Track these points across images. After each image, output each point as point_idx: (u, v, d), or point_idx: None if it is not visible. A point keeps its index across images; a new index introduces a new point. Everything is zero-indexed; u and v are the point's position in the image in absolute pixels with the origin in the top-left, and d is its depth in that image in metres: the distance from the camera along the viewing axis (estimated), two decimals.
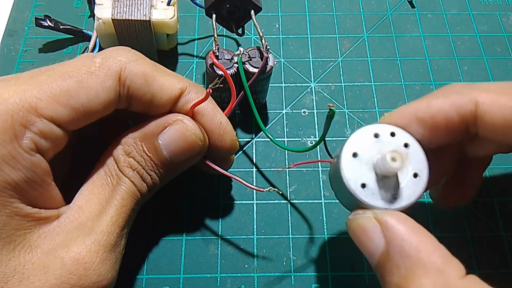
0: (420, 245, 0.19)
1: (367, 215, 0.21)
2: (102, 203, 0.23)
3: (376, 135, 0.22)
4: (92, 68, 0.22)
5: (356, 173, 0.22)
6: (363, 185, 0.21)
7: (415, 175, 0.22)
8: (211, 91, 0.23)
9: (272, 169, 0.32)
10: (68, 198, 0.23)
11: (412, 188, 0.21)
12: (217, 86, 0.23)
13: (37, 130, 0.20)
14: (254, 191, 0.32)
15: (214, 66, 0.29)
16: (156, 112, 0.25)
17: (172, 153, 0.25)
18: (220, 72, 0.28)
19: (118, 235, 0.23)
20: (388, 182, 0.21)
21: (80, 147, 0.26)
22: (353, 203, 0.22)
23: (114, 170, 0.24)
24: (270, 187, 0.27)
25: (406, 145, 0.22)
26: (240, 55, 0.29)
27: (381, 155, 0.21)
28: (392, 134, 0.22)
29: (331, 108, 0.22)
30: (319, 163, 0.33)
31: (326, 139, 0.24)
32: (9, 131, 0.19)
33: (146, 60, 0.25)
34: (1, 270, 0.20)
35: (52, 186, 0.22)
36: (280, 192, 0.31)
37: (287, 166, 0.25)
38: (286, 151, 0.33)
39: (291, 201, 0.32)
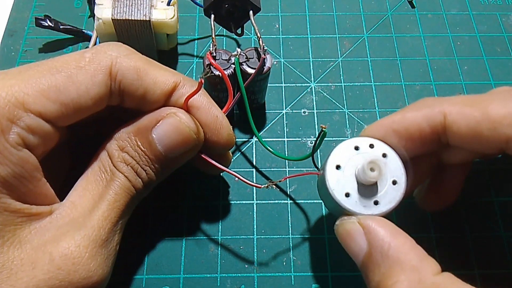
0: (398, 245, 0.21)
1: (352, 220, 0.23)
2: (95, 198, 0.23)
3: (357, 148, 0.24)
4: (81, 62, 0.22)
5: (340, 183, 0.24)
6: (347, 194, 0.23)
7: (394, 182, 0.24)
8: (203, 81, 0.23)
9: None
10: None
11: (392, 194, 0.23)
12: (208, 75, 0.23)
13: (24, 125, 0.20)
14: (254, 191, 0.32)
15: (212, 67, 0.29)
16: (150, 107, 0.25)
17: (166, 147, 0.24)
18: (218, 73, 0.29)
19: (110, 230, 0.22)
20: (369, 190, 0.23)
21: (79, 148, 0.26)
22: (339, 211, 0.24)
23: (108, 165, 0.24)
24: (268, 183, 0.27)
25: (384, 155, 0.24)
26: (237, 56, 0.29)
27: (361, 166, 0.23)
28: (371, 146, 0.24)
29: (324, 129, 0.24)
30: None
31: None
32: None
33: (138, 54, 0.24)
34: None
35: (43, 182, 0.22)
36: (276, 187, 0.31)
37: (278, 180, 0.27)
38: (286, 150, 0.34)
39: (291, 201, 0.32)
